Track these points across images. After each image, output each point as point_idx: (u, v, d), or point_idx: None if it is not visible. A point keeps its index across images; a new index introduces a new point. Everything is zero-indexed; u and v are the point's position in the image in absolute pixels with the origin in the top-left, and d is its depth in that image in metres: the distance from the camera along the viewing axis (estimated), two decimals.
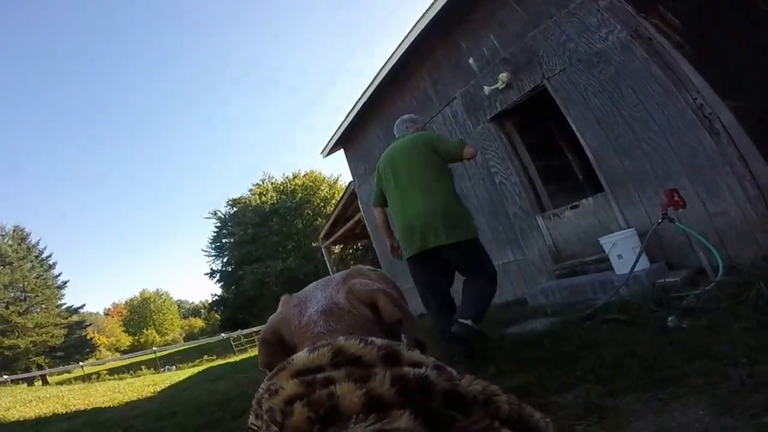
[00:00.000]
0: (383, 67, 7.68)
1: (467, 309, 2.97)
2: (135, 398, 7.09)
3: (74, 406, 7.02)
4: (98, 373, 17.09)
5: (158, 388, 8.06)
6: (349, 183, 10.38)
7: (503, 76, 5.74)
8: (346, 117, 9.09)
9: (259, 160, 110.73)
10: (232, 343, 20.89)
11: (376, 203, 3.61)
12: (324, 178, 37.03)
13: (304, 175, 37.00)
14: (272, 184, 37.03)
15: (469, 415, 0.44)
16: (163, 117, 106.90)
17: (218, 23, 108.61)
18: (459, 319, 2.88)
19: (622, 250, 4.35)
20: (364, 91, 8.36)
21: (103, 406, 6.80)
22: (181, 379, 8.91)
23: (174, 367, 17.26)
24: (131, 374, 15.90)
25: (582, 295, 4.58)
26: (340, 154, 10.33)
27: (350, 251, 32.38)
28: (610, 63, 4.59)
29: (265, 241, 33.51)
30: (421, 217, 3.07)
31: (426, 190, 3.12)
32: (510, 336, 3.89)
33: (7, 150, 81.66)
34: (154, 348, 21.48)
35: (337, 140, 9.72)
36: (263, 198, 35.52)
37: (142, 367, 16.93)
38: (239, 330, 23.81)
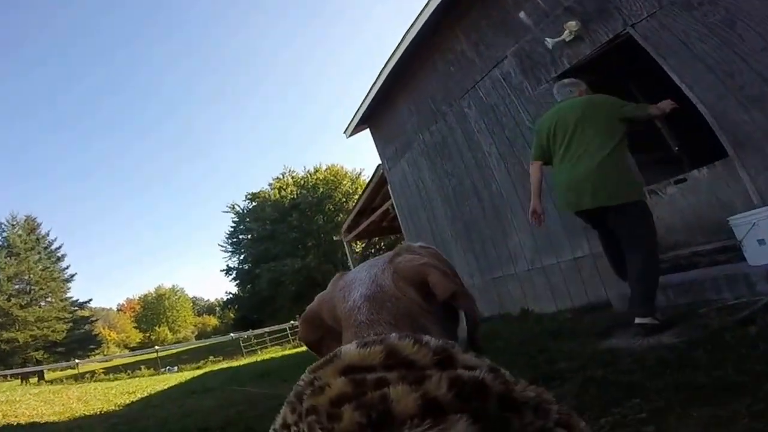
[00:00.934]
0: (408, 31, 6.75)
1: (634, 303, 3.03)
2: (94, 411, 6.22)
3: (15, 417, 6.13)
4: (93, 372, 16.51)
5: (135, 398, 7.24)
6: (377, 167, 9.35)
7: (571, 25, 4.84)
8: (370, 90, 8.13)
9: (285, 154, 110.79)
10: (242, 344, 20.06)
11: (535, 158, 3.76)
12: (346, 173, 36.19)
13: (326, 169, 36.19)
14: (293, 178, 36.31)
15: (523, 417, 0.43)
16: (186, 110, 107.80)
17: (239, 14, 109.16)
18: (635, 321, 2.95)
19: (765, 233, 3.20)
20: (388, 60, 7.39)
21: (45, 419, 5.94)
22: (168, 386, 7.96)
23: (176, 368, 16.60)
24: (128, 374, 15.29)
25: (699, 295, 3.48)
26: (366, 137, 9.36)
27: (373, 249, 31.43)
28: (717, 4, 3.79)
29: (283, 238, 32.78)
30: (578, 180, 3.21)
31: (587, 153, 3.18)
32: (617, 353, 2.77)
33: (32, 144, 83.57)
34: (156, 347, 20.77)
35: (362, 117, 8.74)
36: (283, 192, 34.82)
37: (142, 366, 16.24)
38: (250, 330, 23.04)
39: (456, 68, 6.54)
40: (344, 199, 33.72)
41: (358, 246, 26.41)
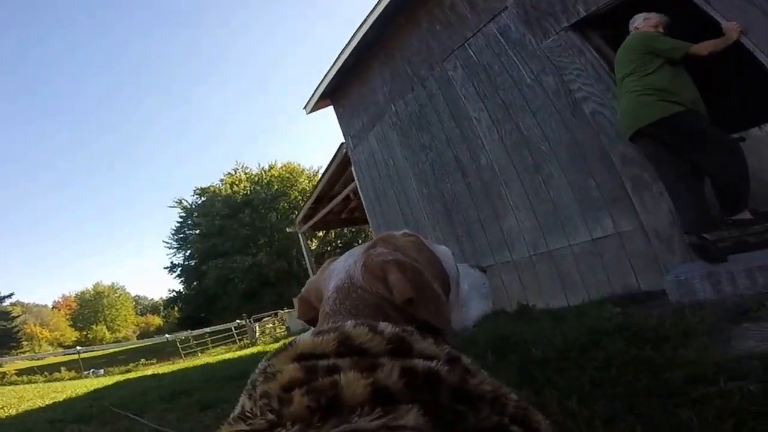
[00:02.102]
0: None
1: (725, 206, 3.08)
2: None
3: None
4: (4, 374, 14.18)
5: None
6: (340, 146, 8.12)
7: None
8: (337, 59, 6.97)
9: (239, 149, 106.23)
10: (179, 346, 18.05)
11: None
12: (303, 170, 34.70)
13: (282, 166, 34.58)
14: (246, 174, 34.42)
15: (479, 411, 0.42)
16: (130, 99, 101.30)
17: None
18: (730, 218, 3.08)
19: None
20: (362, 23, 6.27)
21: None
22: (32, 406, 6.14)
23: (102, 370, 14.52)
24: (46, 376, 13.31)
25: None
26: (327, 127, 8.15)
27: (329, 247, 30.10)
28: None
29: (233, 234, 30.86)
30: (623, 111, 3.37)
31: (629, 85, 3.26)
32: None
33: None
34: (78, 348, 18.30)
35: (326, 90, 7.52)
36: (235, 188, 32.90)
37: (62, 368, 14.06)
38: (189, 331, 20.99)
39: (443, 26, 5.50)
40: (300, 197, 32.18)
41: (313, 243, 24.98)
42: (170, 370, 10.06)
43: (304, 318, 0.72)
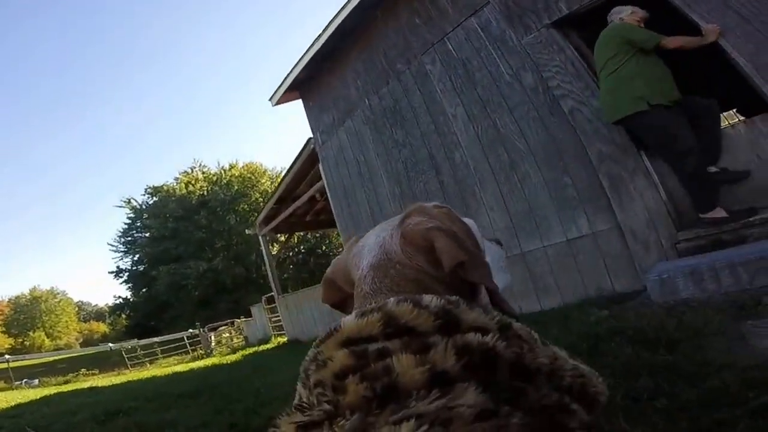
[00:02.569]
0: None
1: (695, 204, 3.34)
2: None
3: None
4: None
5: None
6: (307, 141, 7.92)
7: None
8: (308, 50, 6.81)
9: (198, 145, 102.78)
10: (125, 356, 17.14)
11: None
12: (265, 171, 33.93)
13: (243, 166, 33.69)
14: (203, 173, 33.28)
15: (539, 388, 0.43)
16: (75, 81, 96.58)
17: None
18: (699, 216, 3.29)
19: None
20: (336, 15, 6.16)
21: None
22: None
23: (36, 381, 13.58)
24: None
25: None
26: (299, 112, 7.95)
27: (291, 252, 29.42)
28: None
29: (188, 237, 29.74)
30: (603, 99, 3.64)
31: (603, 78, 3.55)
32: None
33: None
34: (7, 356, 16.99)
35: (294, 82, 7.34)
36: (191, 188, 31.68)
37: None
38: (135, 340, 19.98)
39: (423, 19, 5.48)
40: (261, 199, 31.46)
41: (274, 248, 24.54)
42: (112, 383, 9.45)
43: (329, 302, 0.71)
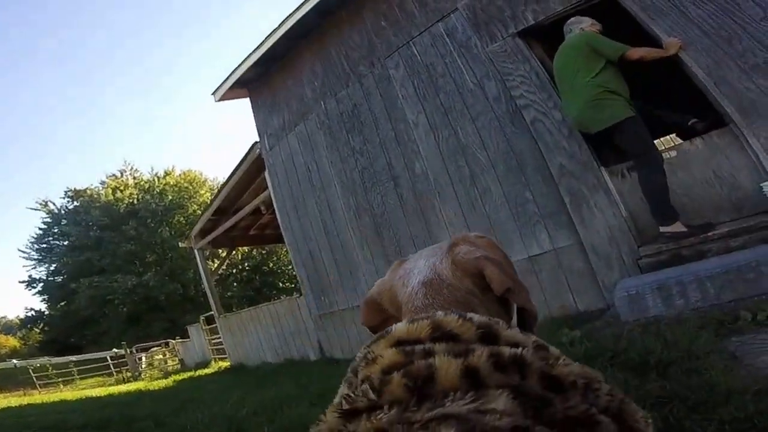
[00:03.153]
0: None
1: (654, 216, 3.37)
2: None
3: None
4: None
5: None
6: (252, 146, 7.58)
7: None
8: (261, 44, 6.52)
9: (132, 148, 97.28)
10: (33, 374, 15.57)
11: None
12: (205, 180, 32.61)
13: (180, 173, 32.23)
14: (135, 179, 31.46)
15: (567, 399, 0.44)
16: None
17: None
18: (659, 230, 3.35)
19: None
20: (295, 11, 5.98)
21: None
22: None
23: None
24: None
25: (757, 288, 2.69)
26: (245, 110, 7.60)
27: (234, 270, 28.27)
28: None
29: (114, 249, 27.82)
30: (575, 114, 3.66)
31: (576, 87, 3.57)
32: None
33: None
34: None
35: (243, 78, 7.02)
36: (119, 194, 29.75)
37: None
38: (46, 358, 18.29)
39: (389, 22, 5.42)
40: (200, 211, 30.11)
41: (215, 263, 23.61)
42: (9, 405, 8.47)
43: (370, 324, 0.75)
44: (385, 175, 5.33)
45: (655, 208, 3.30)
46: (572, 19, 3.82)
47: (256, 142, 7.50)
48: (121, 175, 31.24)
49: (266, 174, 7.28)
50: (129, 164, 34.26)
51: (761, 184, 3.02)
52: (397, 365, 0.48)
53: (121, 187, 30.29)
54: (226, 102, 7.81)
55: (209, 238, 10.17)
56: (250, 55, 6.73)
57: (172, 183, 31.40)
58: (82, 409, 6.46)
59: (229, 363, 10.62)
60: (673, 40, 3.43)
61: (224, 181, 8.91)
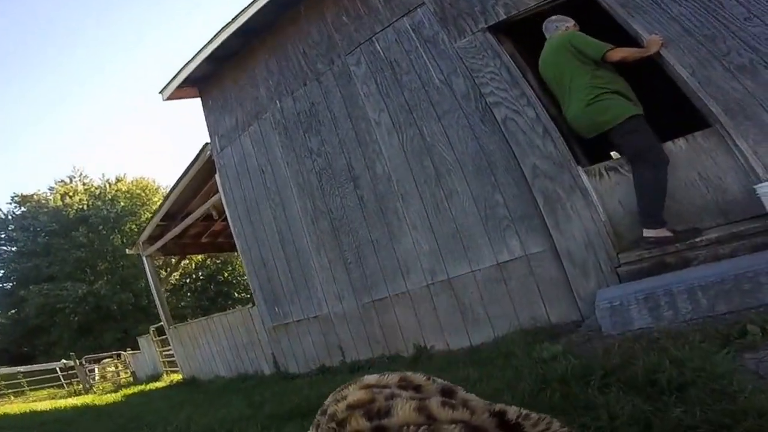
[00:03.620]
0: None
1: (641, 218, 3.04)
2: None
3: None
4: None
5: None
6: (203, 147, 6.85)
7: None
8: (212, 40, 5.86)
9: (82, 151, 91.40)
10: None
11: None
12: (158, 188, 30.81)
13: (132, 181, 30.35)
14: (84, 185, 29.38)
15: None
16: None
17: None
18: (642, 234, 3.02)
19: None
20: (249, 6, 5.39)
21: None
22: None
23: None
24: None
25: (755, 299, 2.34)
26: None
27: (188, 279, 26.74)
28: None
29: (64, 256, 25.75)
30: (573, 118, 3.33)
31: (570, 91, 3.29)
32: None
33: None
34: None
35: (191, 76, 6.32)
36: (68, 200, 27.65)
37: None
38: None
39: (351, 18, 4.89)
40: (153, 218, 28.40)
41: (167, 272, 22.05)
42: None
43: None
44: (344, 177, 4.77)
45: (647, 209, 2.97)
46: (555, 17, 3.54)
47: (206, 143, 6.77)
48: (71, 181, 29.18)
49: (217, 176, 6.57)
50: (78, 170, 32.07)
51: (755, 186, 2.67)
52: (362, 402, 0.53)
53: (71, 193, 28.24)
54: (184, 106, 7.06)
55: (158, 245, 9.24)
56: (201, 51, 6.04)
57: (123, 189, 29.56)
58: (19, 425, 5.58)
59: (181, 376, 9.71)
60: (654, 37, 3.14)
61: (174, 184, 8.07)
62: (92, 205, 28.09)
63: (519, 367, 2.52)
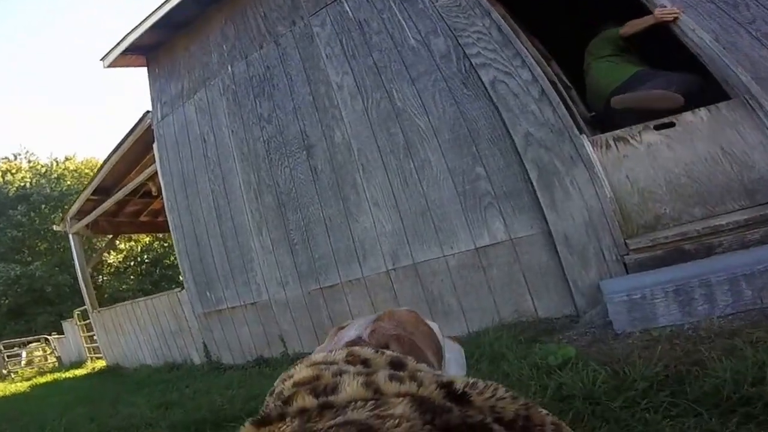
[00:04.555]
0: None
1: None
2: None
3: None
4: None
5: None
6: (143, 115, 5.63)
7: None
8: (160, 7, 4.77)
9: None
10: None
11: None
12: None
13: (82, 160, 27.26)
14: (30, 162, 26.07)
15: (468, 409, 0.43)
16: None
17: None
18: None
19: None
20: None
21: None
22: None
23: None
24: None
25: None
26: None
27: (133, 262, 24.22)
28: None
29: None
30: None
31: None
32: None
33: None
34: None
35: (137, 43, 5.14)
36: (8, 177, 24.41)
37: None
38: None
39: None
40: None
41: (111, 255, 19.66)
42: None
43: None
44: (296, 145, 3.82)
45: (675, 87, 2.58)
46: None
47: (147, 112, 5.56)
48: (15, 158, 25.83)
49: (155, 146, 5.38)
50: (24, 148, 28.59)
51: None
52: (308, 380, 0.48)
53: (13, 170, 24.96)
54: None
55: (86, 221, 7.73)
56: (148, 17, 4.90)
57: (72, 168, 26.53)
58: None
59: (105, 363, 8.24)
60: (668, 9, 2.63)
61: (108, 155, 6.70)
62: (36, 183, 24.92)
63: (514, 375, 1.69)
